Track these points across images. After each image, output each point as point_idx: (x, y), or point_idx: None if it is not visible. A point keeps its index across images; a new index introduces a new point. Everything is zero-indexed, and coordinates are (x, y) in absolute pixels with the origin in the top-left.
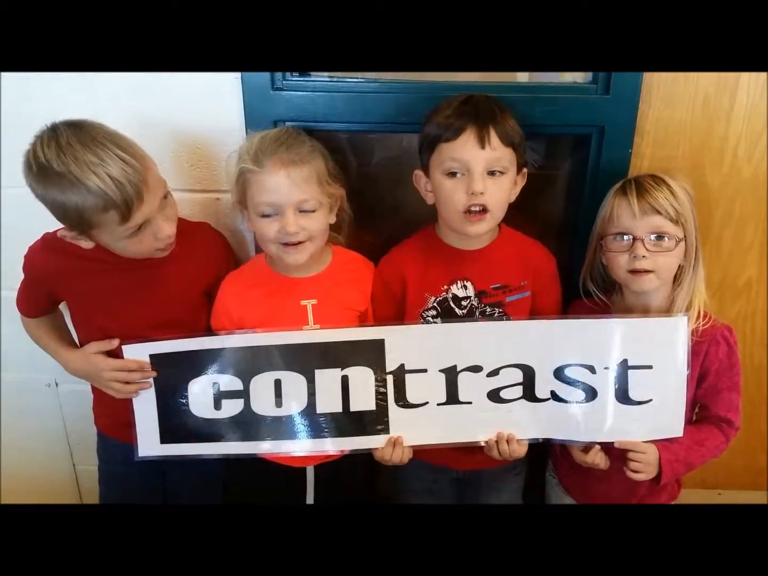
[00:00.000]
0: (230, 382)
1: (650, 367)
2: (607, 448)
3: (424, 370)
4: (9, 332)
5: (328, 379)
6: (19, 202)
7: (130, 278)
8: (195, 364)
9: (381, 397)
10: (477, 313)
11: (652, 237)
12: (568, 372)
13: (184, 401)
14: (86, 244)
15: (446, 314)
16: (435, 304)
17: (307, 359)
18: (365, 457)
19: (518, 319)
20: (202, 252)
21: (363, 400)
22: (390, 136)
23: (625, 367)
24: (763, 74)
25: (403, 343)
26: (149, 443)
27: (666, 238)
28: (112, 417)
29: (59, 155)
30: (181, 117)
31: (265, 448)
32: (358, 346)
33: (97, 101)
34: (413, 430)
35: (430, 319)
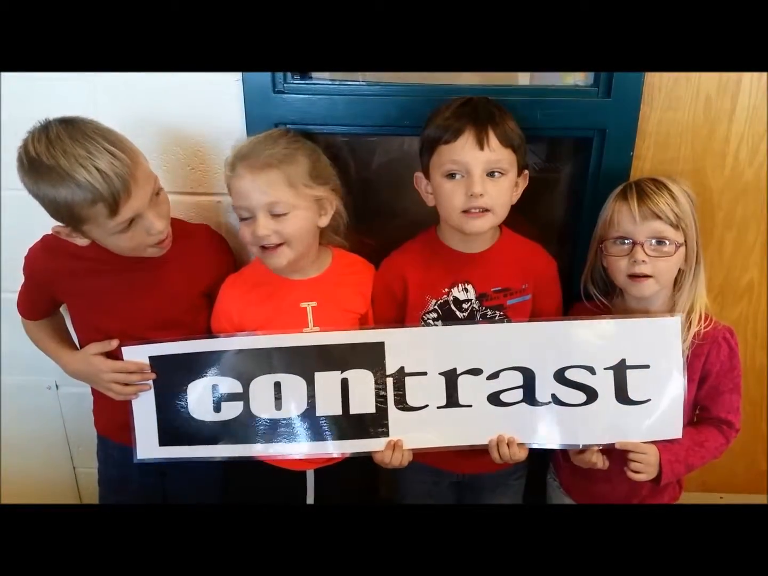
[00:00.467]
0: (229, 384)
1: (647, 366)
2: (608, 449)
3: (424, 373)
4: (9, 335)
5: (327, 381)
6: (19, 204)
7: (129, 279)
8: (194, 366)
9: (381, 400)
10: (478, 316)
11: (653, 242)
12: (569, 374)
13: (183, 403)
14: (81, 241)
15: (447, 317)
16: (436, 307)
17: (306, 362)
18: (365, 460)
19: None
20: (202, 253)
21: (363, 402)
22: (391, 139)
23: (623, 366)
24: (764, 75)
25: (403, 346)
26: (148, 446)
27: (666, 243)
28: (112, 419)
29: (48, 149)
30: (182, 119)
31: (264, 450)
32: (357, 348)
33: (98, 103)
34: (413, 433)
35: (430, 321)
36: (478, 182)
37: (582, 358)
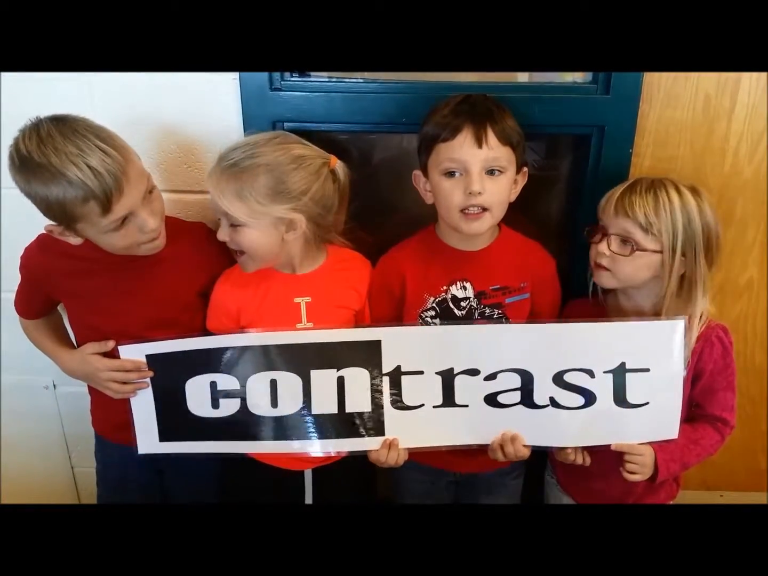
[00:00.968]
0: (227, 381)
1: (647, 370)
2: (604, 448)
3: (421, 372)
4: (7, 334)
5: (323, 379)
6: (19, 203)
7: (125, 278)
8: (191, 363)
9: (377, 398)
10: (476, 314)
11: (619, 238)
12: (568, 377)
13: (181, 400)
14: (74, 240)
15: (445, 315)
16: (434, 305)
17: (302, 359)
18: (363, 459)
19: (517, 321)
20: (198, 252)
21: (358, 401)
22: (389, 137)
23: (623, 370)
24: (764, 74)
25: (399, 345)
26: (148, 441)
27: (629, 244)
28: (109, 419)
29: (39, 146)
30: (180, 118)
31: (260, 447)
32: (354, 346)
33: (95, 102)
34: (409, 432)
35: (429, 319)
36: (477, 180)
37: (581, 362)
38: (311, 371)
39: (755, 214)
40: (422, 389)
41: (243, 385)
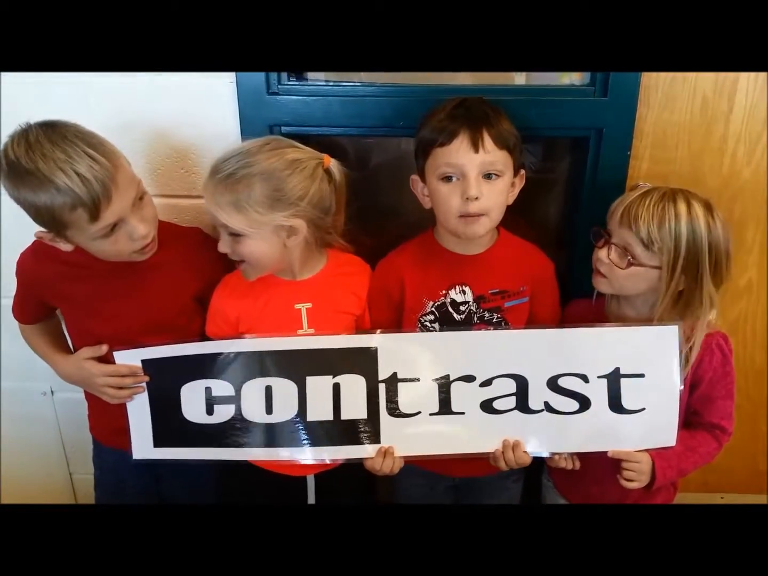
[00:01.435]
0: (221, 387)
1: (642, 375)
2: (601, 454)
3: (417, 379)
4: (5, 340)
5: (319, 386)
6: (18, 208)
7: (119, 283)
8: (186, 369)
9: (372, 405)
10: (475, 319)
11: (619, 249)
12: (562, 382)
13: (176, 406)
14: (65, 246)
15: (444, 319)
16: (433, 309)
17: (298, 366)
18: (361, 465)
19: (516, 325)
20: (194, 256)
21: (354, 408)
22: (387, 140)
23: (617, 375)
24: (761, 76)
25: (395, 351)
26: (143, 447)
27: (628, 256)
28: (106, 424)
29: (28, 152)
30: (176, 122)
31: (255, 454)
32: (350, 353)
33: (91, 105)
34: (405, 440)
35: (428, 324)
36: (474, 185)
37: (575, 367)
38: (307, 378)
39: (754, 216)
40: (418, 396)
41: (238, 391)
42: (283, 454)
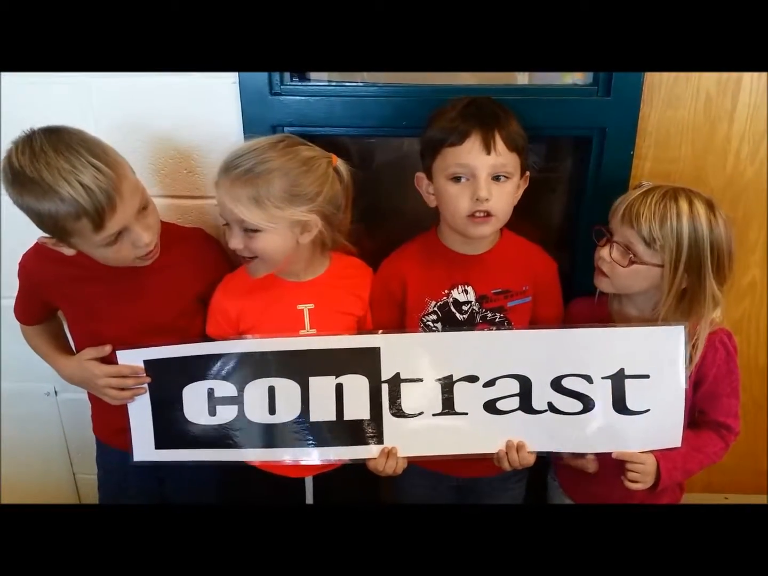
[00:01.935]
0: (224, 388)
1: (647, 376)
2: (606, 454)
3: (420, 380)
4: (8, 341)
5: (322, 386)
6: (18, 210)
7: (121, 285)
8: (189, 369)
9: (375, 406)
10: (478, 318)
11: (621, 247)
12: (566, 382)
13: (178, 407)
14: (68, 251)
15: (447, 319)
16: (436, 309)
17: (301, 366)
18: (364, 465)
19: (519, 325)
20: (196, 257)
21: (357, 408)
22: (389, 140)
23: (622, 376)
24: (764, 74)
25: (398, 352)
26: (144, 448)
27: (630, 254)
28: (110, 424)
29: (32, 161)
30: (179, 123)
31: (258, 455)
32: (353, 353)
33: (94, 106)
34: (408, 440)
35: (430, 324)
36: (484, 187)
37: (579, 367)
38: (309, 378)
39: (757, 215)
40: (421, 397)
41: (240, 392)
42: (285, 455)
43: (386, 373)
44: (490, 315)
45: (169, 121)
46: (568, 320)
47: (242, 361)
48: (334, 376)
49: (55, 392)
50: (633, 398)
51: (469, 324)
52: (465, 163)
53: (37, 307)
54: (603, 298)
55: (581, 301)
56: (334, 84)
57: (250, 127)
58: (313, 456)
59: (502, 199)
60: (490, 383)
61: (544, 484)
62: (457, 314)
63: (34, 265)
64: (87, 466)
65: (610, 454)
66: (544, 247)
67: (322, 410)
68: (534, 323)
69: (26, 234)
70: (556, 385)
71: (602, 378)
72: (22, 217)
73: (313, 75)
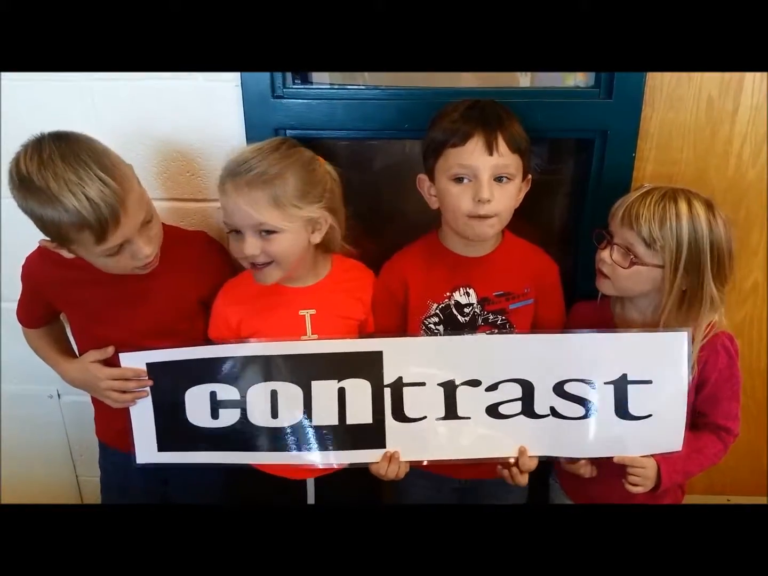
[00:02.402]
0: (227, 391)
1: (650, 382)
2: (607, 459)
3: (422, 384)
4: (10, 343)
5: (324, 390)
6: (19, 212)
7: (124, 288)
8: (191, 373)
9: (378, 410)
10: (480, 321)
11: (622, 249)
12: (568, 387)
13: (180, 410)
14: (67, 254)
15: (449, 321)
16: (437, 311)
17: (303, 370)
18: (366, 468)
19: (521, 328)
20: (198, 261)
21: (359, 413)
22: (391, 143)
23: (624, 381)
24: (767, 76)
25: (401, 356)
26: (147, 450)
27: (630, 255)
28: (113, 427)
29: (40, 169)
30: (182, 126)
31: (260, 458)
32: (355, 357)
33: (97, 109)
34: (410, 445)
35: (432, 326)
36: (486, 188)
37: (581, 372)
38: (312, 382)
39: (759, 217)
40: (424, 401)
41: (243, 396)
42: (288, 458)
43: (389, 378)
44: (491, 317)
45: (171, 124)
46: (570, 324)
47: (245, 364)
48: (336, 381)
49: (58, 395)
50: (635, 404)
51: (471, 326)
52: (467, 163)
53: (40, 310)
54: (605, 301)
55: (583, 305)
56: (336, 87)
57: (252, 130)
58: (315, 460)
59: (504, 200)
60: (492, 387)
61: (546, 486)
62: (459, 317)
63: (37, 267)
64: (90, 468)
65: (611, 458)
66: (546, 249)
67: (325, 414)
68: (536, 326)
69: (27, 237)
70: (559, 389)
71: (605, 383)
72: (22, 221)
73: (315, 78)
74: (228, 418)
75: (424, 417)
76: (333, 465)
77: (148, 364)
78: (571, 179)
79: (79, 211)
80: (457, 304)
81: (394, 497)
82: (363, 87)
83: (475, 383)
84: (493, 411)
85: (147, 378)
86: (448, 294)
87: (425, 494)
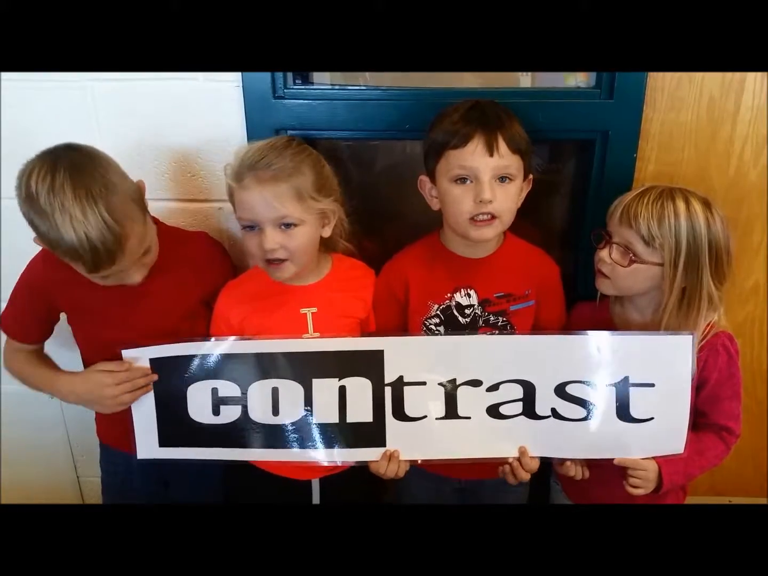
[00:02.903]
0: (228, 388)
1: (652, 385)
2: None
3: (423, 383)
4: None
5: (325, 388)
6: (19, 213)
7: (128, 289)
8: (194, 368)
9: (378, 409)
10: (480, 322)
11: (621, 247)
12: (569, 389)
13: (183, 405)
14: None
15: (449, 322)
16: (438, 312)
17: (304, 368)
18: (368, 468)
19: (521, 331)
20: (199, 261)
21: (360, 411)
22: (392, 144)
23: (626, 384)
24: None
25: (402, 355)
26: (148, 446)
27: (629, 254)
28: (114, 427)
29: (48, 195)
30: (183, 126)
31: (261, 455)
32: (356, 356)
33: (97, 110)
34: (410, 444)
35: (433, 327)
36: (487, 188)
37: (583, 374)
38: (313, 380)
39: (760, 218)
40: (425, 400)
41: (244, 393)
42: (288, 455)
43: (389, 377)
44: (492, 319)
45: (172, 125)
46: (570, 325)
47: (246, 361)
48: (337, 379)
49: None
50: (637, 406)
51: (472, 327)
52: (468, 164)
53: (39, 319)
54: (604, 302)
55: (583, 306)
56: (337, 87)
57: (253, 131)
58: (315, 457)
59: (506, 200)
60: (493, 388)
61: (547, 487)
62: (460, 318)
63: (42, 270)
64: (91, 468)
65: (612, 460)
66: (547, 250)
67: (325, 412)
68: (536, 327)
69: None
70: (560, 390)
71: (606, 385)
72: (21, 221)
73: (316, 78)
74: (229, 414)
75: (425, 416)
76: (333, 463)
77: (151, 360)
78: (572, 180)
79: (76, 249)
80: (458, 305)
81: (395, 497)
82: (364, 87)
83: (476, 383)
84: (493, 411)
85: (151, 374)
86: (449, 295)
87: (426, 494)
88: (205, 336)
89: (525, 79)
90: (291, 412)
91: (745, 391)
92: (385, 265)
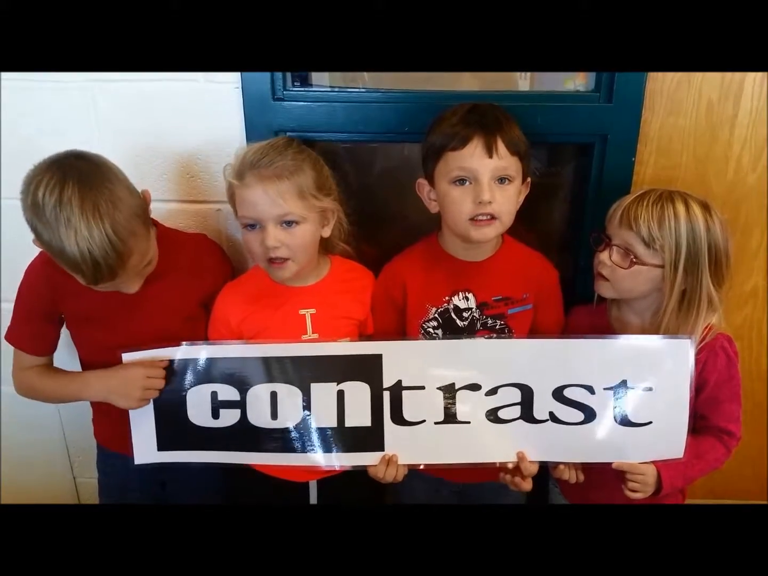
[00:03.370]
0: (227, 391)
1: (651, 389)
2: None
3: (422, 387)
4: (8, 344)
5: (323, 392)
6: (19, 213)
7: (126, 293)
8: (193, 372)
9: (377, 413)
10: (478, 325)
11: (621, 250)
12: (567, 392)
13: (181, 409)
14: None
15: (447, 325)
16: (436, 315)
17: (303, 372)
18: (366, 471)
19: (519, 335)
20: (198, 264)
21: (358, 415)
22: (391, 146)
23: (625, 388)
24: (766, 81)
25: (400, 359)
26: (146, 450)
27: (629, 256)
28: (111, 429)
29: (55, 207)
30: (182, 127)
31: (259, 459)
32: (355, 360)
33: (96, 111)
34: (409, 448)
35: (431, 330)
36: (487, 189)
37: (581, 377)
38: (311, 384)
39: (759, 221)
40: (423, 405)
41: (243, 396)
42: (286, 459)
43: (388, 381)
44: (490, 322)
45: (171, 126)
46: (568, 329)
47: (245, 365)
48: (335, 383)
49: None
50: (635, 410)
51: (470, 331)
52: (467, 166)
53: (45, 325)
54: (602, 305)
55: (580, 310)
56: (336, 90)
57: (252, 132)
58: (314, 461)
59: (505, 201)
60: (492, 392)
61: (546, 490)
62: (458, 321)
63: (42, 273)
64: (87, 470)
65: (610, 464)
66: (546, 253)
67: (324, 416)
68: (535, 330)
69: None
70: (558, 394)
71: (604, 389)
72: (21, 221)
73: (315, 80)
74: (228, 418)
75: (423, 420)
76: (330, 467)
77: None
78: (571, 183)
79: (78, 262)
80: (456, 309)
81: (393, 499)
82: (363, 90)
83: (474, 387)
84: (492, 415)
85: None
86: (447, 298)
87: (425, 497)
88: (204, 338)
89: (523, 82)
90: (290, 416)
91: (743, 394)
92: (383, 267)
